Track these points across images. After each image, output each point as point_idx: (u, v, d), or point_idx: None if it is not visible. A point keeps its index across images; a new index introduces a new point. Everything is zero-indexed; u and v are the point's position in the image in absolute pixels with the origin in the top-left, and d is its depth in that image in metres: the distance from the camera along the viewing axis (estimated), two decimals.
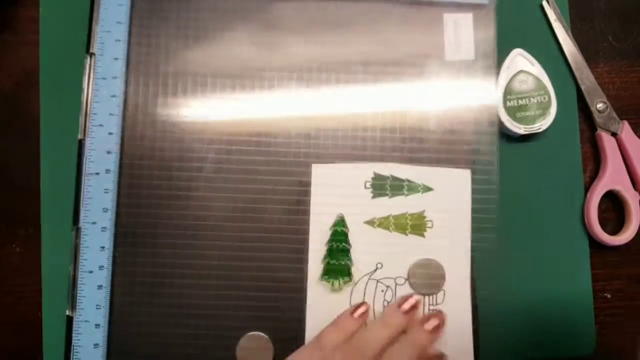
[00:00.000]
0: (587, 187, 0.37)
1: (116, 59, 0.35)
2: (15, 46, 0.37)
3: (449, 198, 0.35)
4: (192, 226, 0.35)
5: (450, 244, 0.35)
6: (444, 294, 0.35)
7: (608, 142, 0.37)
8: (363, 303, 0.34)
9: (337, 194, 0.35)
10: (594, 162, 0.38)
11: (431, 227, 0.35)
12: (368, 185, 0.35)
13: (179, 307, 0.35)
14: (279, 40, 0.36)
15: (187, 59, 0.36)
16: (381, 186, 0.35)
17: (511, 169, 0.37)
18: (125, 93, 0.35)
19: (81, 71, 0.35)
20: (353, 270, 0.34)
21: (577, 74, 0.38)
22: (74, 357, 0.33)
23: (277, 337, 0.34)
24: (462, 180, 0.36)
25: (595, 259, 0.37)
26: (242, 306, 0.34)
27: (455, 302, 0.34)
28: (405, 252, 0.35)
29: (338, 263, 0.34)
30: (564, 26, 0.38)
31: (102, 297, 0.34)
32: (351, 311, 0.33)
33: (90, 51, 0.35)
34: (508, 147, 0.37)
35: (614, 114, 0.38)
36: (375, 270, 0.35)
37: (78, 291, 0.33)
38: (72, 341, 0.33)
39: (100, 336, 0.33)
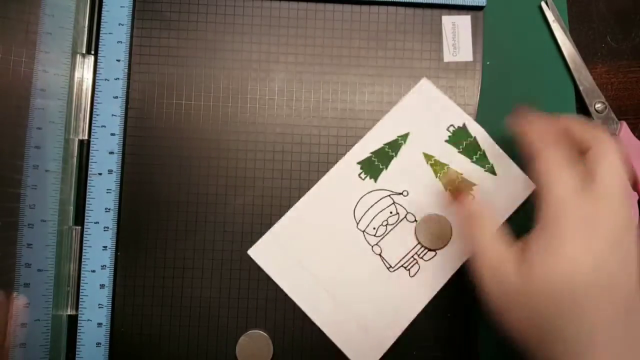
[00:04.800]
0: None
1: (118, 60, 0.35)
2: None
3: (501, 192, 0.35)
4: (193, 225, 0.35)
5: None
6: (441, 255, 0.35)
7: None
8: None
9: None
10: None
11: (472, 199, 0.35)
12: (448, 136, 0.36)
13: (180, 305, 0.35)
14: (280, 42, 0.37)
15: (188, 60, 0.36)
16: (459, 141, 0.36)
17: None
18: (127, 94, 0.36)
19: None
20: (381, 179, 0.35)
21: (575, 74, 0.38)
22: (76, 356, 0.33)
23: (277, 336, 0.35)
24: (522, 187, 0.35)
25: None
26: (242, 304, 0.35)
27: (444, 262, 0.35)
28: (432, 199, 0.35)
29: (377, 163, 0.35)
30: (562, 27, 0.38)
31: (104, 296, 0.34)
32: None
33: (92, 53, 0.35)
34: (506, 146, 0.37)
35: (613, 115, 0.38)
36: (400, 193, 0.35)
37: (80, 290, 0.34)
38: (75, 340, 0.34)
39: (102, 335, 0.34)
